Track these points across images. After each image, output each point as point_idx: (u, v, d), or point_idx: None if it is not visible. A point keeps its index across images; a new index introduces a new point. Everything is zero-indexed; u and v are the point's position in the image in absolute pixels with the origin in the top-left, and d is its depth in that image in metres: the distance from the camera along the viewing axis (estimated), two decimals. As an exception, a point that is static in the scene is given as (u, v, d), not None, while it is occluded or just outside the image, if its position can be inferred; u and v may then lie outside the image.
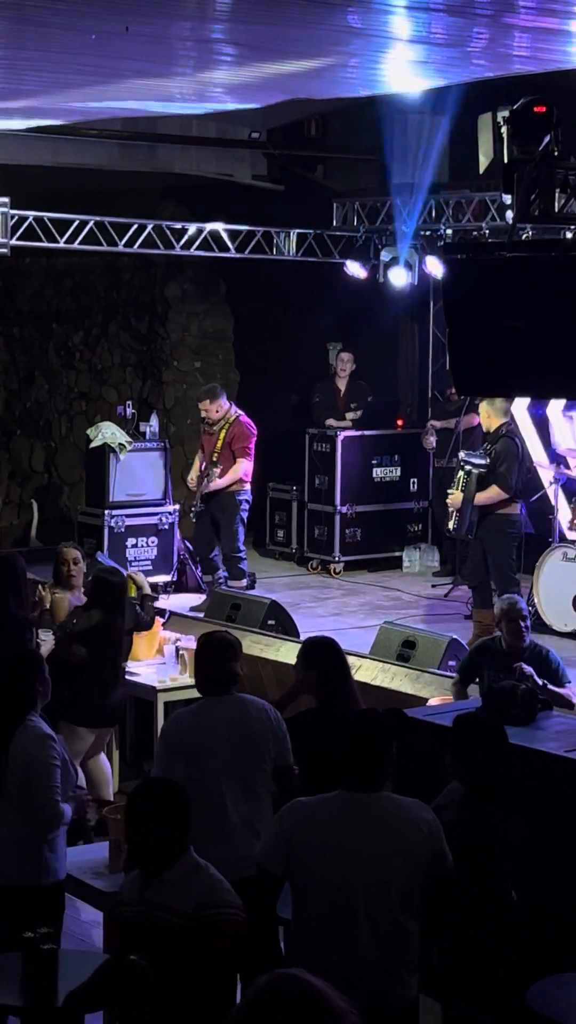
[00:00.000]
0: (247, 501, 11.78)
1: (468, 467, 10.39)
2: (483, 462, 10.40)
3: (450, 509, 10.53)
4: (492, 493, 10.32)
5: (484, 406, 10.65)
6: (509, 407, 10.75)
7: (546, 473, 11.61)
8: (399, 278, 12.37)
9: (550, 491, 11.36)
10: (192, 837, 4.38)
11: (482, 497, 10.28)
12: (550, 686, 7.50)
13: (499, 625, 7.81)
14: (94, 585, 8.70)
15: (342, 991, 4.15)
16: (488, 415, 10.60)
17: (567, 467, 11.36)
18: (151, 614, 9.08)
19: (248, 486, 11.77)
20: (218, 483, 11.50)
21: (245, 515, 11.80)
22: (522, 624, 7.69)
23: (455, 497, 10.41)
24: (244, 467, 11.61)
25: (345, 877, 4.44)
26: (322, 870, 4.46)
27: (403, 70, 9.69)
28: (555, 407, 11.78)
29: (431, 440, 12.80)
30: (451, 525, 10.59)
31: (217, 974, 4.19)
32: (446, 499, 10.80)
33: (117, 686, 8.61)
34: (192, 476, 11.87)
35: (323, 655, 6.55)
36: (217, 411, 11.77)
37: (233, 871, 4.69)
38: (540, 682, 7.40)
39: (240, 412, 11.86)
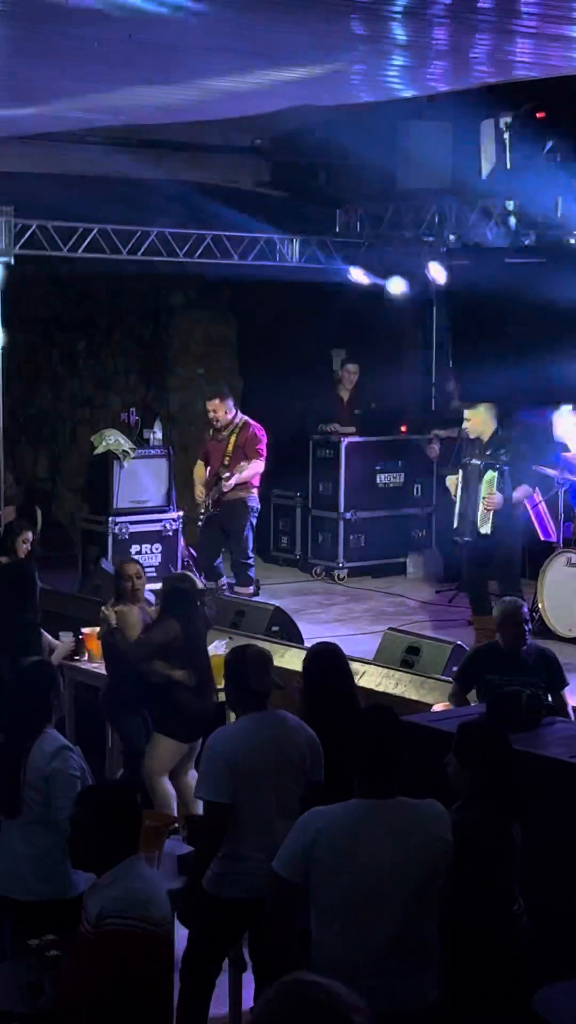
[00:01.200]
0: (256, 508, 11.79)
1: (498, 467, 10.35)
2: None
3: (485, 509, 10.38)
4: (526, 491, 10.56)
5: (478, 412, 10.59)
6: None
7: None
8: (397, 287, 12.40)
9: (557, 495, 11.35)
10: (239, 856, 4.35)
11: (518, 495, 10.44)
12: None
13: (500, 627, 7.75)
14: (168, 595, 8.56)
15: (367, 996, 4.17)
16: (483, 421, 10.58)
17: (571, 472, 11.36)
18: (212, 612, 9.03)
19: (256, 492, 11.78)
20: (234, 482, 11.49)
21: (254, 521, 11.81)
22: (524, 627, 7.67)
23: (495, 498, 10.32)
24: (257, 466, 11.64)
25: (366, 884, 4.44)
26: (342, 879, 4.46)
27: (406, 76, 9.70)
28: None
29: (435, 448, 12.81)
30: (486, 529, 10.42)
31: (115, 986, 4.08)
32: (466, 506, 10.64)
33: (210, 693, 8.40)
34: (199, 486, 11.83)
35: (321, 663, 6.54)
36: (226, 412, 11.79)
37: None
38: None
39: (247, 418, 11.88)
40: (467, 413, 10.74)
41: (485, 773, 5.24)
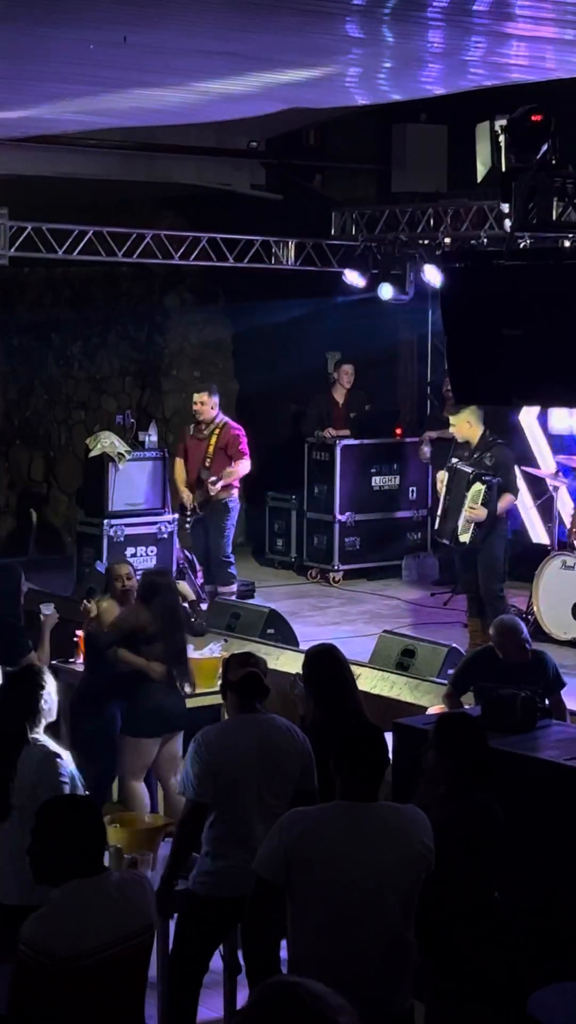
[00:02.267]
0: (237, 507, 11.85)
1: (488, 481, 10.33)
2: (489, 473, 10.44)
3: (471, 522, 10.39)
4: (509, 500, 10.52)
5: (466, 416, 10.57)
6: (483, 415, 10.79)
7: (548, 480, 11.66)
8: (386, 292, 12.41)
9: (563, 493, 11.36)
10: (221, 854, 4.29)
11: (502, 506, 10.41)
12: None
13: (499, 643, 7.69)
14: (143, 586, 8.69)
15: (347, 1000, 4.15)
16: (470, 424, 10.59)
17: (567, 475, 11.37)
18: (201, 624, 9.04)
19: (237, 492, 11.81)
20: (225, 480, 11.54)
21: (234, 519, 11.85)
22: (526, 644, 7.63)
23: (479, 512, 10.29)
24: (244, 466, 11.69)
25: (347, 886, 4.44)
26: (323, 880, 4.46)
27: (401, 79, 9.71)
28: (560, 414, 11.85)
29: (426, 451, 12.84)
30: (466, 539, 10.46)
31: (9, 1011, 3.95)
32: (449, 506, 10.69)
33: (182, 688, 8.41)
34: (181, 485, 11.85)
35: (319, 664, 6.54)
36: (212, 408, 11.83)
37: None
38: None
39: (227, 418, 11.95)
40: (452, 419, 10.78)
41: (461, 764, 5.24)
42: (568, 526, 11.04)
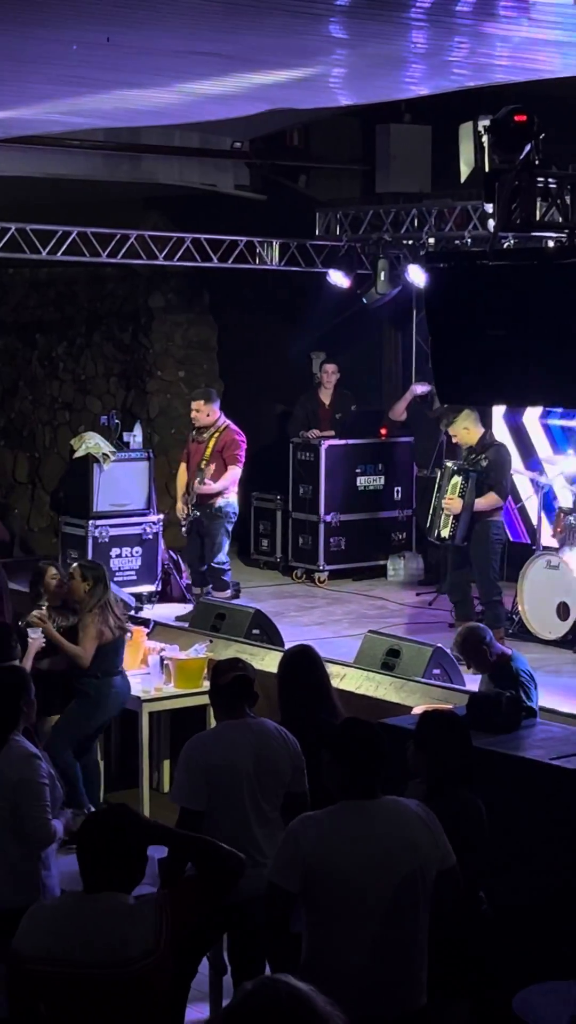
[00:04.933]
0: (234, 512, 11.79)
1: (466, 473, 10.42)
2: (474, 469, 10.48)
3: (446, 513, 10.51)
4: (491, 500, 10.55)
5: (462, 423, 10.72)
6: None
7: (523, 480, 11.68)
8: (369, 298, 12.49)
9: (533, 499, 11.38)
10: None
11: (481, 504, 10.45)
12: None
13: (461, 653, 7.74)
14: None
15: (364, 999, 4.16)
16: (468, 429, 10.73)
17: (546, 475, 11.40)
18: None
19: (235, 497, 11.77)
20: (209, 487, 11.49)
21: (231, 526, 11.80)
22: (487, 655, 7.56)
23: (454, 503, 10.41)
24: (235, 474, 11.63)
25: (365, 886, 4.44)
26: (342, 882, 4.45)
27: (385, 80, 9.71)
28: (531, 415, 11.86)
29: (401, 407, 12.89)
30: (446, 533, 10.56)
31: None
32: (437, 505, 10.77)
33: None
34: (180, 490, 11.83)
35: (294, 666, 6.53)
36: (208, 415, 11.78)
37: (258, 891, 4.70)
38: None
39: (230, 422, 11.88)
40: (450, 430, 10.80)
41: (442, 761, 5.25)
42: (554, 525, 11.07)
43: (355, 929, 4.44)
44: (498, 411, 12.22)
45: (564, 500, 11.07)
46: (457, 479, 10.48)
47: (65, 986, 3.67)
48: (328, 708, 6.33)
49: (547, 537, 11.07)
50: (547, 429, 12.27)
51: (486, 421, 11.43)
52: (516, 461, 11.84)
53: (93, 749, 9.07)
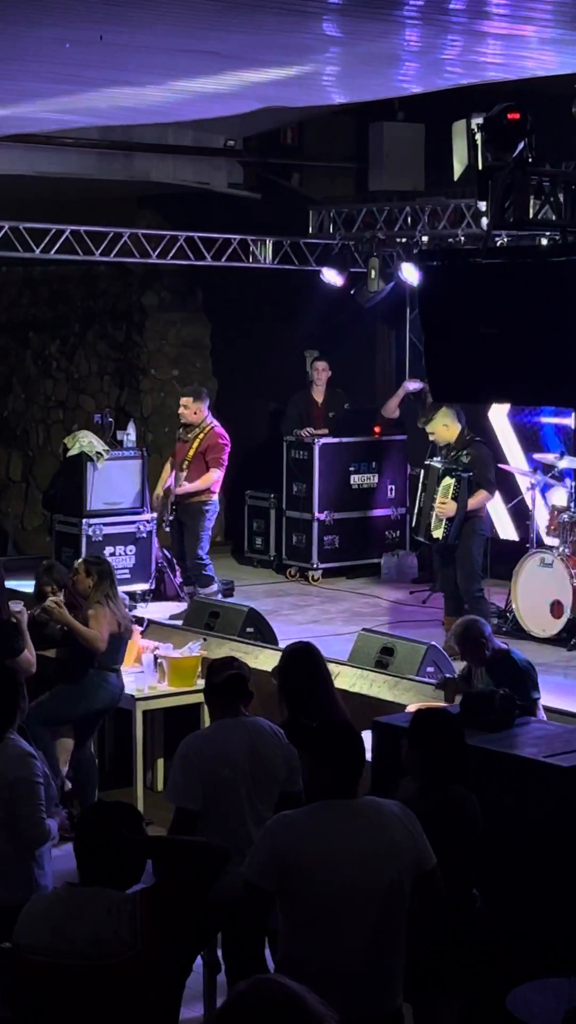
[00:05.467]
0: (214, 510, 11.80)
1: (457, 475, 10.42)
2: (461, 469, 10.49)
3: (441, 518, 10.50)
4: (481, 497, 10.60)
5: (440, 420, 10.73)
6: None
7: (523, 479, 11.67)
8: (362, 296, 12.50)
9: (527, 496, 11.38)
10: None
11: (473, 503, 10.47)
12: None
13: (461, 650, 7.73)
14: None
15: (340, 998, 4.17)
16: (446, 426, 10.76)
17: (543, 473, 11.40)
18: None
19: (216, 497, 11.76)
20: (186, 487, 11.50)
21: (210, 524, 11.80)
22: (484, 648, 7.58)
23: (448, 506, 10.40)
24: (215, 476, 11.60)
25: (339, 886, 4.42)
26: (316, 882, 4.43)
27: (378, 78, 9.72)
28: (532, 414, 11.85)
29: (393, 404, 12.89)
30: (439, 534, 10.56)
31: None
32: (425, 505, 10.78)
33: None
34: (159, 487, 11.85)
35: (296, 664, 6.53)
36: (195, 413, 11.77)
37: None
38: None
39: (216, 423, 11.87)
40: (428, 428, 10.82)
41: (436, 758, 5.25)
42: (546, 523, 11.07)
43: (332, 929, 4.42)
44: (502, 409, 12.20)
45: (558, 498, 11.07)
46: (449, 481, 10.46)
47: (50, 976, 3.75)
48: (330, 706, 6.34)
49: (549, 537, 11.05)
50: (537, 427, 12.28)
51: (477, 419, 11.45)
52: (519, 460, 11.85)
53: (88, 747, 9.05)
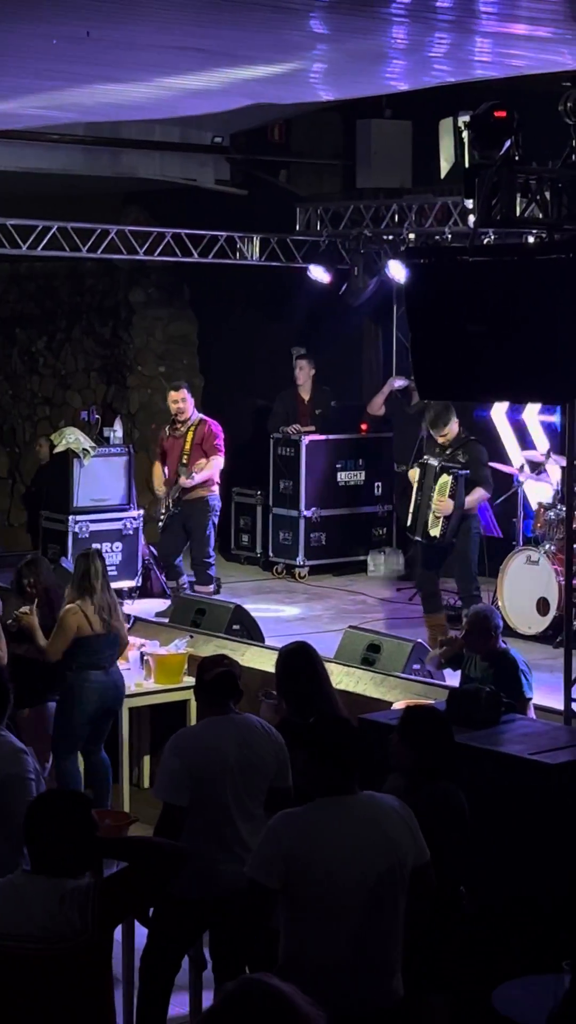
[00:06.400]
0: (218, 506, 11.83)
1: (455, 473, 10.40)
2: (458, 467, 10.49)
3: (439, 516, 10.47)
4: (479, 496, 10.59)
5: (454, 417, 10.72)
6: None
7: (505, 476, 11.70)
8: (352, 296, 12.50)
9: (516, 495, 11.40)
10: (198, 856, 4.36)
11: (470, 501, 10.46)
12: None
13: (468, 633, 7.82)
14: None
15: (344, 992, 4.19)
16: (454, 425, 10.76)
17: (532, 471, 11.41)
18: None
19: (217, 489, 11.80)
20: (196, 479, 11.54)
21: (216, 519, 11.83)
22: (490, 640, 7.71)
23: (446, 504, 10.37)
24: (218, 463, 11.69)
25: (344, 881, 4.45)
26: (320, 879, 4.46)
27: (365, 75, 9.72)
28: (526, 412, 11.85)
29: (379, 401, 12.91)
30: (435, 532, 10.51)
31: None
32: (422, 503, 10.72)
33: None
34: (158, 483, 11.84)
35: (293, 664, 6.53)
36: (191, 404, 11.84)
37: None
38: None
39: (202, 415, 11.92)
40: (444, 429, 10.73)
41: (424, 754, 5.26)
42: (534, 521, 11.08)
43: (335, 924, 4.46)
44: (500, 407, 12.20)
45: (543, 495, 11.08)
46: (446, 479, 10.41)
47: (2, 960, 3.82)
48: (330, 704, 6.34)
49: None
50: (523, 424, 12.28)
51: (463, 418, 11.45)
52: (516, 457, 11.85)
53: (99, 751, 8.95)
